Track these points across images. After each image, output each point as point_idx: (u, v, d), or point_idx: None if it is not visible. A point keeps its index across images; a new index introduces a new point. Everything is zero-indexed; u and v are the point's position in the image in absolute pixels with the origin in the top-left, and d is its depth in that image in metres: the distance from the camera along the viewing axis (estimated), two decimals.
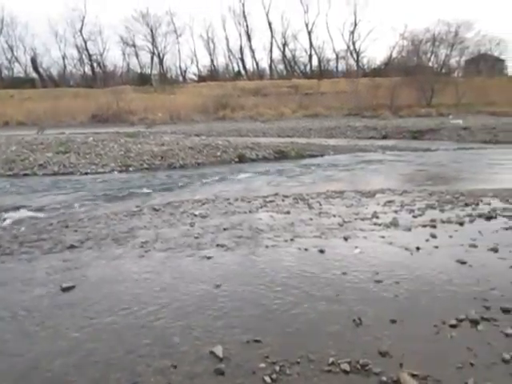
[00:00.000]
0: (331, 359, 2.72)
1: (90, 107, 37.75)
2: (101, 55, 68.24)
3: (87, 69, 69.32)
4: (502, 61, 55.44)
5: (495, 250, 4.55)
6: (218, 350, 2.84)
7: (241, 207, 6.92)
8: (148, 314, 3.39)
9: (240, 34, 69.86)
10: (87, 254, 4.82)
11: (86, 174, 11.77)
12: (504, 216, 5.82)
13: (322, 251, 4.66)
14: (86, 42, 66.81)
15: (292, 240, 5.09)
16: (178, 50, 74.64)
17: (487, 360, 2.71)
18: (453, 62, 52.88)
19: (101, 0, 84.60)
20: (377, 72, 54.38)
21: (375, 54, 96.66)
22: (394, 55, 58.91)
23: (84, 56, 67.64)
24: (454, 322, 3.13)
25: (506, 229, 5.28)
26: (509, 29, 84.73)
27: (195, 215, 6.43)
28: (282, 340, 2.98)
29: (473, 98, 35.25)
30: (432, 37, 51.28)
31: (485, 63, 53.07)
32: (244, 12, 68.42)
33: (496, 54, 54.47)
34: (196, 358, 2.80)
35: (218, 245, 4.99)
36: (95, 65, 68.65)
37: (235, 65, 71.01)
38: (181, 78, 68.48)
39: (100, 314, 3.41)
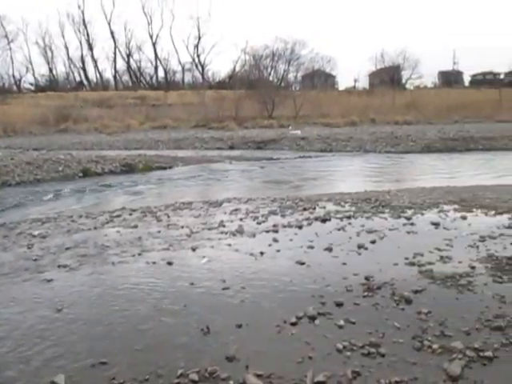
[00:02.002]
0: (180, 371, 2.72)
1: None
2: None
3: None
4: (333, 76, 61.05)
5: (329, 250, 4.98)
6: (60, 379, 2.67)
7: (85, 224, 6.60)
8: None
9: (81, 43, 66.16)
10: None
11: None
12: (336, 218, 6.38)
13: (170, 263, 4.65)
14: None
15: (140, 254, 4.99)
16: (11, 57, 68.17)
17: (324, 352, 2.94)
18: (291, 76, 57.01)
19: None
20: (222, 85, 55.92)
21: (220, 67, 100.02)
22: (237, 69, 61.32)
23: None
24: (294, 320, 3.34)
25: (339, 229, 5.80)
26: (337, 48, 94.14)
27: (34, 236, 5.97)
28: (129, 359, 2.91)
29: (309, 111, 37.96)
30: (271, 53, 54.75)
31: (318, 78, 58.17)
32: (84, 20, 65.05)
33: (327, 70, 59.82)
34: None
35: (59, 266, 4.70)
36: None
37: (77, 75, 67.36)
38: (15, 88, 62.87)
39: None
